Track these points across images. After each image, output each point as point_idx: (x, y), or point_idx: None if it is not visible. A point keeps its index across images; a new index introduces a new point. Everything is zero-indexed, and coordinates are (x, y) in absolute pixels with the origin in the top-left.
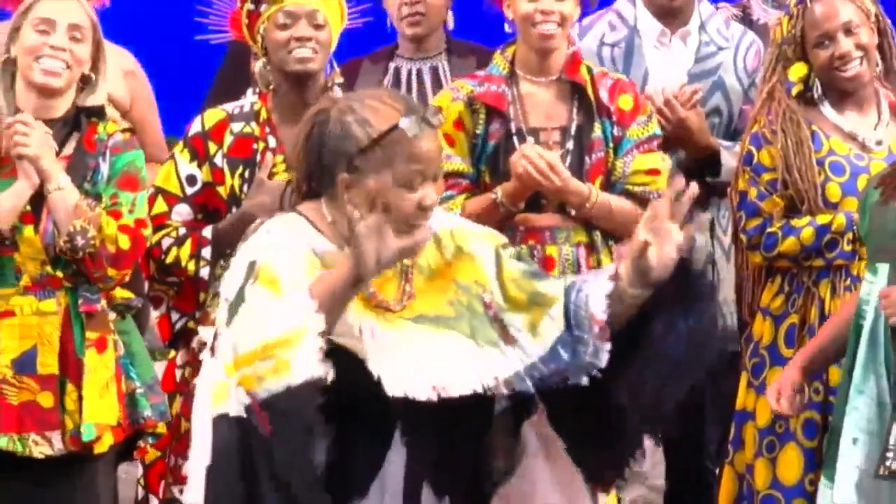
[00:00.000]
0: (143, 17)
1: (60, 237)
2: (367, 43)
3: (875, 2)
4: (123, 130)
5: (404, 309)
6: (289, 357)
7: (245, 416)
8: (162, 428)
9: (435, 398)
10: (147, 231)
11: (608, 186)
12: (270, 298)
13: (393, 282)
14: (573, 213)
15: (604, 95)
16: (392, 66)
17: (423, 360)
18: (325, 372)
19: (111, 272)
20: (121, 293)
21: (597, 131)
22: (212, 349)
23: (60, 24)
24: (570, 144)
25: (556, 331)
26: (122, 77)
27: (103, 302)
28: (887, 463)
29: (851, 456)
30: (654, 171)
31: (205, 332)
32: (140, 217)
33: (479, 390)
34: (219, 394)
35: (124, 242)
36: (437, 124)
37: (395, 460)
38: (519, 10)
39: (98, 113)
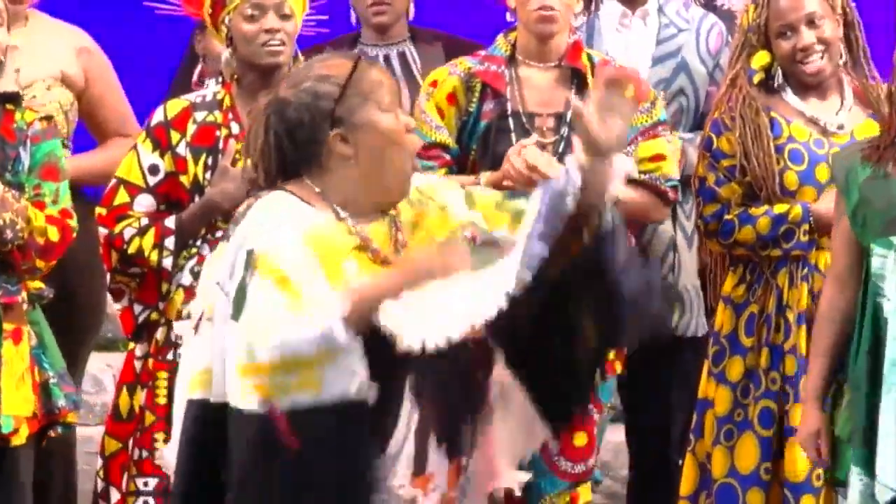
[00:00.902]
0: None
1: None
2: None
3: None
4: (41, 119)
5: (391, 263)
6: (320, 376)
7: (260, 412)
8: (73, 417)
9: (450, 340)
10: (72, 221)
11: None
12: (280, 296)
13: (384, 233)
14: None
15: None
16: (356, 51)
17: (435, 306)
18: (364, 392)
19: (40, 264)
20: (33, 284)
21: None
22: (195, 328)
23: None
24: (564, 131)
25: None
26: (76, 55)
27: (24, 293)
28: None
29: (894, 434)
30: (660, 157)
31: (180, 327)
32: (65, 207)
33: (488, 316)
34: (200, 380)
35: (53, 234)
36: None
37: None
38: None
39: (13, 99)
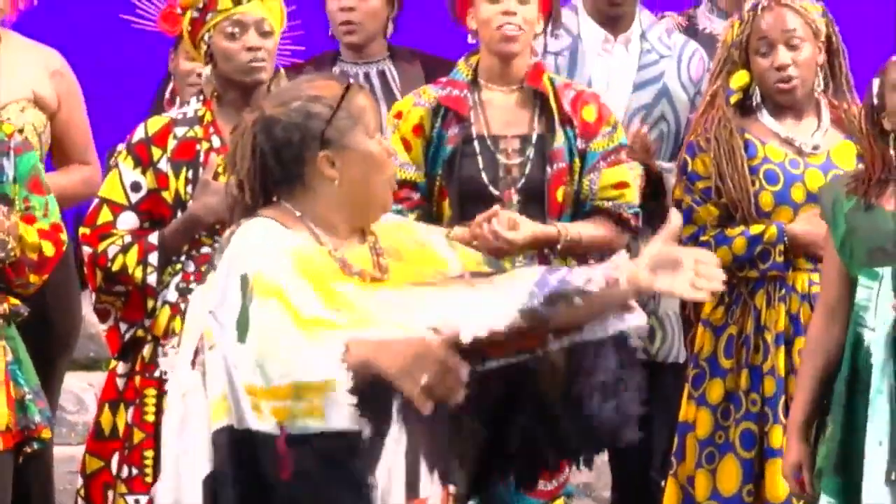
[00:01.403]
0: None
1: None
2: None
3: (831, 24)
4: (20, 131)
5: (383, 281)
6: (322, 404)
7: (275, 434)
8: (47, 433)
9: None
10: (64, 235)
11: (577, 202)
12: (285, 315)
13: (365, 257)
14: (545, 251)
15: (567, 106)
16: (337, 70)
17: (434, 309)
18: (359, 427)
19: (33, 279)
20: (11, 301)
21: (559, 141)
22: (193, 363)
23: None
24: (530, 152)
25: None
26: (49, 77)
27: (5, 305)
28: None
29: (878, 458)
30: (623, 185)
31: (165, 363)
32: (55, 221)
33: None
34: (218, 408)
35: (48, 248)
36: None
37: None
38: (482, 14)
39: None
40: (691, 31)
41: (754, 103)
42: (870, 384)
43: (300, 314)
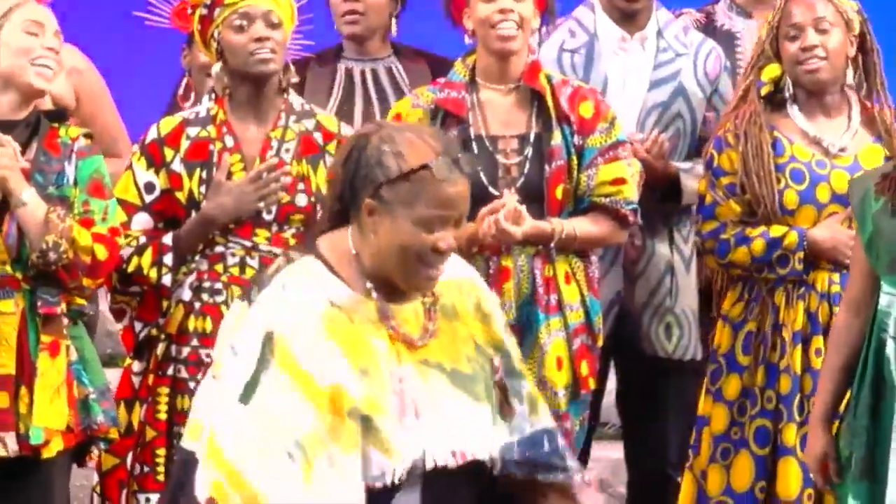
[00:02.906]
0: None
1: (33, 252)
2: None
3: (866, 23)
4: (85, 135)
5: (426, 347)
6: None
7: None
8: (114, 433)
9: (454, 463)
10: (121, 239)
11: (574, 198)
12: (295, 394)
13: (415, 316)
14: (540, 247)
15: (564, 103)
16: (342, 66)
17: (445, 424)
18: None
19: (87, 282)
20: (77, 300)
21: (556, 139)
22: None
23: (48, 27)
24: (528, 152)
25: (550, 418)
26: (66, 75)
27: (63, 305)
28: None
29: None
30: (620, 181)
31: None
32: (113, 225)
33: (487, 458)
34: (195, 431)
35: (101, 252)
36: (468, 171)
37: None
38: (478, 13)
39: (59, 117)
40: (710, 28)
41: (786, 96)
42: (893, 389)
43: (312, 386)
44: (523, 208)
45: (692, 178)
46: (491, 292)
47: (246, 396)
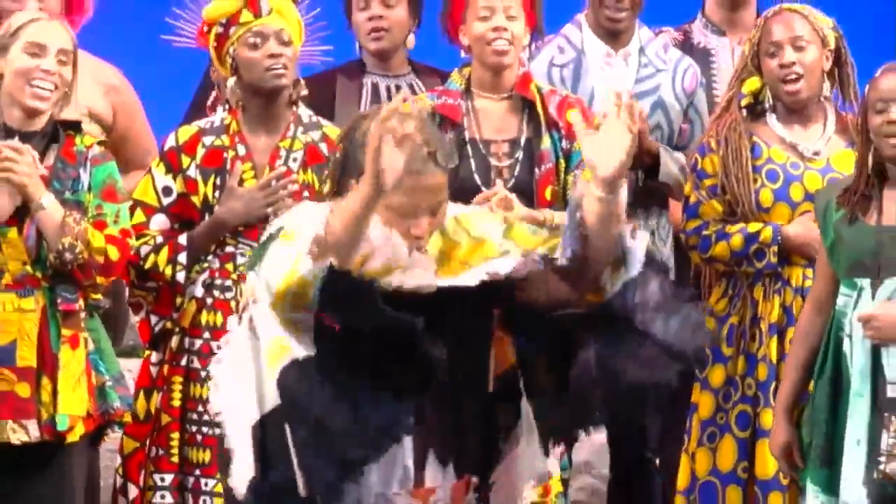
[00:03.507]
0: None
1: (50, 253)
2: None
3: (841, 38)
4: (100, 143)
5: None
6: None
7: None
8: (128, 417)
9: (481, 280)
10: (132, 240)
11: (563, 198)
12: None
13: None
14: None
15: (553, 111)
16: (368, 80)
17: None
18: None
19: (100, 280)
20: (92, 294)
21: (545, 144)
22: (240, 318)
23: (51, 48)
24: (519, 155)
25: None
26: (104, 93)
27: (81, 301)
28: (880, 467)
29: (856, 456)
30: None
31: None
32: (125, 227)
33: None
34: (276, 353)
35: (113, 253)
36: (446, 165)
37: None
38: (474, 31)
39: (74, 126)
40: (687, 45)
41: (766, 107)
42: (850, 385)
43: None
44: (514, 197)
45: (672, 160)
46: (483, 212)
47: (253, 265)
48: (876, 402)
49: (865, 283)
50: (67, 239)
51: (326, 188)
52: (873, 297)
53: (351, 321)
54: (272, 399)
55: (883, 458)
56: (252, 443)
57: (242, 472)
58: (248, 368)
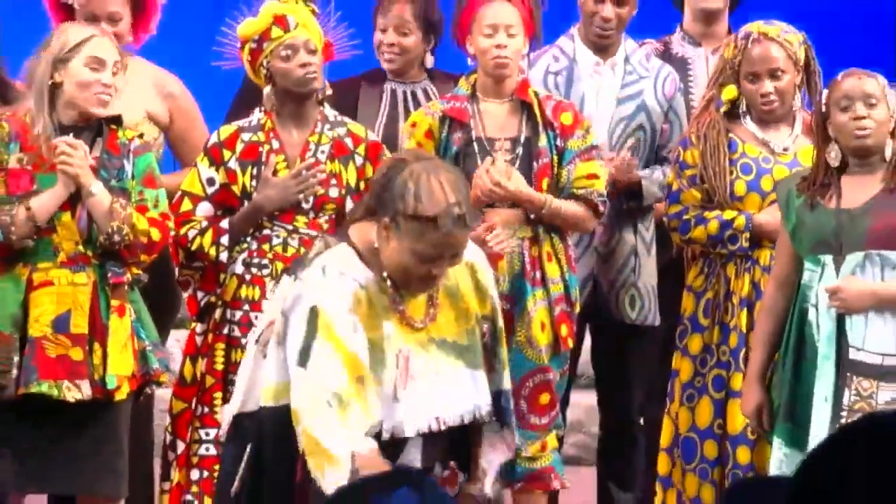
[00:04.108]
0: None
1: (101, 235)
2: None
3: (809, 50)
4: (139, 136)
5: (428, 328)
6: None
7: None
8: (165, 378)
9: (438, 428)
10: (170, 222)
11: (557, 190)
12: (337, 361)
13: (421, 304)
14: (531, 216)
15: (548, 113)
16: (388, 87)
17: (435, 397)
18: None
19: (143, 258)
20: (134, 270)
21: (542, 142)
22: (257, 340)
23: (108, 62)
24: (519, 151)
25: (509, 381)
26: (162, 99)
27: (128, 275)
28: (842, 420)
29: (824, 411)
30: (594, 176)
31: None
32: (163, 210)
33: (469, 420)
34: (268, 393)
35: (155, 234)
36: (471, 226)
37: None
38: (479, 45)
39: (116, 121)
40: (667, 55)
41: (741, 111)
42: (814, 350)
43: (345, 351)
44: (513, 169)
45: (652, 184)
46: (490, 270)
47: (303, 361)
48: (840, 365)
49: (828, 259)
50: (115, 223)
51: (357, 214)
52: (837, 272)
53: None
54: (253, 405)
55: (845, 413)
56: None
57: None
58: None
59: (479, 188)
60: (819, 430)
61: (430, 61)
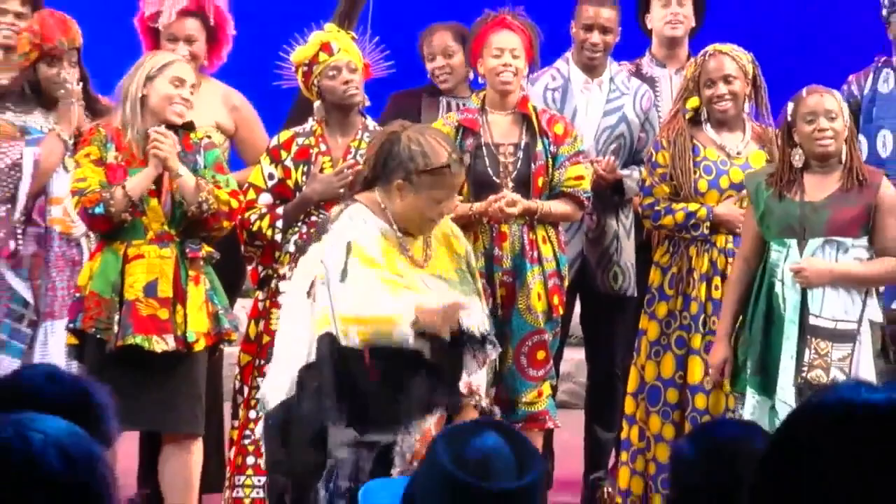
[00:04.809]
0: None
1: (191, 206)
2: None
3: (756, 67)
4: (208, 136)
5: (428, 265)
6: (391, 331)
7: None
8: (234, 336)
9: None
10: (241, 197)
11: (550, 188)
12: (372, 278)
13: (420, 247)
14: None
15: (544, 124)
16: (444, 100)
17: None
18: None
19: (226, 224)
20: (207, 247)
21: (539, 147)
22: (308, 293)
23: (187, 82)
24: (520, 155)
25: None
26: (228, 111)
27: (203, 251)
28: (803, 374)
29: (789, 367)
30: (580, 177)
31: (283, 286)
32: (234, 188)
33: (480, 333)
34: (322, 321)
35: (234, 203)
36: (467, 163)
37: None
38: (488, 65)
39: (189, 126)
40: (639, 75)
41: (702, 119)
42: (780, 317)
43: (381, 272)
44: (518, 196)
45: (631, 181)
46: (453, 224)
47: (343, 278)
48: (803, 328)
49: (793, 242)
50: (203, 194)
51: (359, 186)
52: (800, 253)
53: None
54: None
55: (805, 368)
56: (293, 378)
57: (276, 391)
58: (307, 330)
59: (492, 210)
60: (785, 381)
61: (472, 76)
